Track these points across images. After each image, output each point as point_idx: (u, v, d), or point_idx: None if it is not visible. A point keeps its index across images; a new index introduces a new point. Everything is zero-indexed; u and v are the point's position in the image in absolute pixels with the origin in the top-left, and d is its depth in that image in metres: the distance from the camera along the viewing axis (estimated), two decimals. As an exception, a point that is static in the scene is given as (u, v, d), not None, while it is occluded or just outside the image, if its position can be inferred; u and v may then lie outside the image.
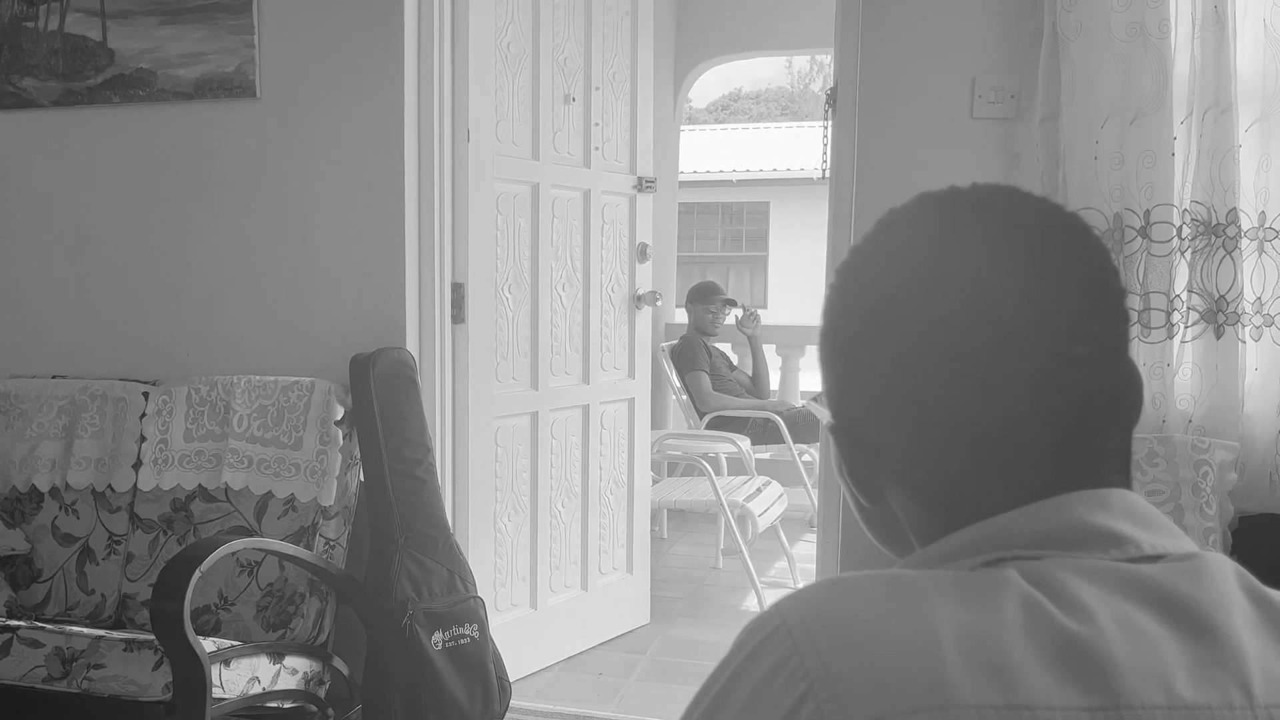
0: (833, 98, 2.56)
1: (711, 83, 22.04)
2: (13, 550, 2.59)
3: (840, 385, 0.71)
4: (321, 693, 2.34)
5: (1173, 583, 0.59)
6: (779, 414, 4.70)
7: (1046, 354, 0.63)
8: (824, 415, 0.74)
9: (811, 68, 21.98)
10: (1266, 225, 2.21)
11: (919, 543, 0.69)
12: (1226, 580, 0.60)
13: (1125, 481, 0.66)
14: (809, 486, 4.61)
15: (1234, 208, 2.18)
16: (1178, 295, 2.21)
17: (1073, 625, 0.56)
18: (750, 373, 5.25)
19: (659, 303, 3.57)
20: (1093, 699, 0.54)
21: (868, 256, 0.70)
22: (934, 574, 0.61)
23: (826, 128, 2.71)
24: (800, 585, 3.99)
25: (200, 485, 2.54)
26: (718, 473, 4.51)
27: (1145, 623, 0.57)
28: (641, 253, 3.42)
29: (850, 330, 0.70)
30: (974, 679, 0.54)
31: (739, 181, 14.99)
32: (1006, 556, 0.61)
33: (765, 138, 16.72)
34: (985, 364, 0.63)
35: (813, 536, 4.10)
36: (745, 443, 4.61)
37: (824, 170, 3.16)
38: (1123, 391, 0.66)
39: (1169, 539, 0.62)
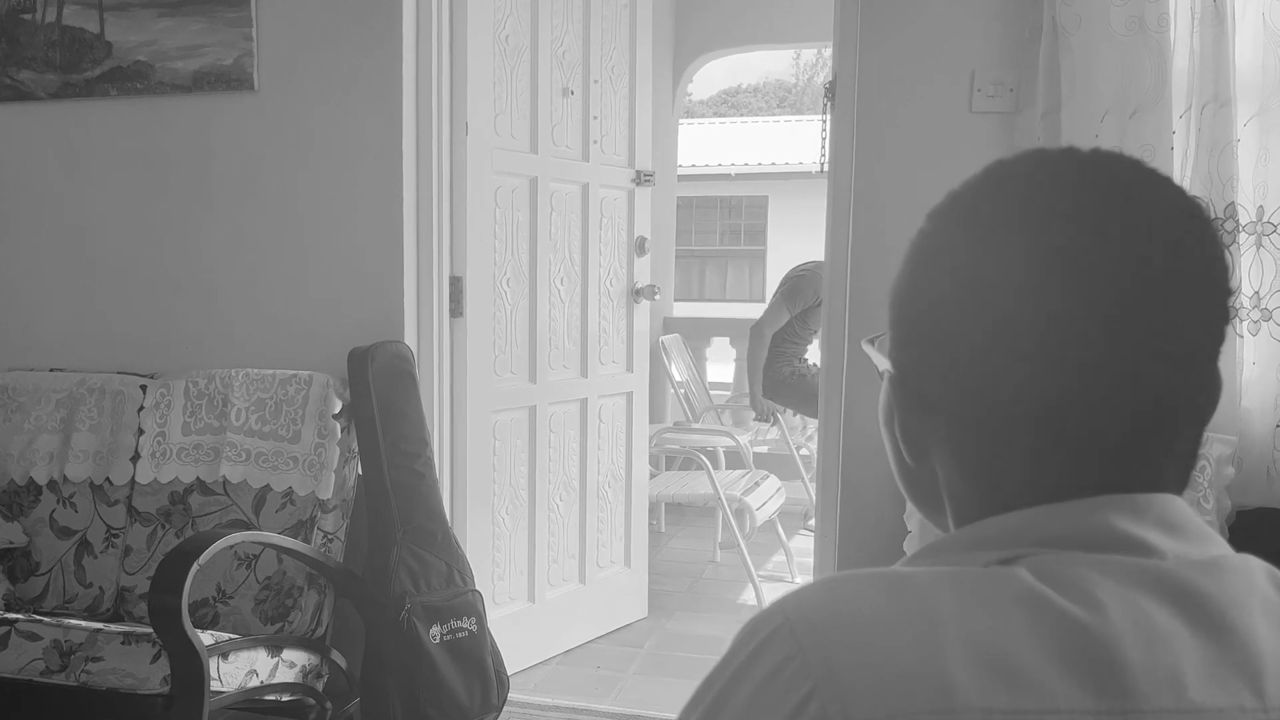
0: (831, 91, 2.56)
1: (716, 75, 22.00)
2: (11, 543, 2.59)
3: (908, 339, 0.68)
4: (320, 686, 2.34)
5: (1190, 578, 0.58)
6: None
7: (1138, 348, 0.59)
8: (881, 362, 0.71)
9: (818, 60, 21.92)
10: (1265, 220, 2.21)
11: (952, 511, 0.67)
12: (1251, 579, 0.59)
13: (1182, 484, 0.63)
14: (807, 481, 4.61)
15: (1232, 202, 2.18)
16: (1176, 289, 2.21)
17: (1082, 624, 0.55)
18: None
19: (657, 296, 3.57)
20: (1101, 701, 0.53)
21: (967, 206, 0.65)
22: (937, 572, 0.60)
23: (825, 121, 2.71)
24: (798, 580, 3.99)
25: (198, 478, 2.54)
26: (715, 467, 4.52)
27: (1160, 619, 0.56)
28: (640, 246, 3.42)
29: (934, 286, 0.65)
30: (979, 681, 0.53)
31: (737, 175, 14.98)
32: (1024, 553, 0.60)
33: (764, 132, 16.71)
34: (1072, 349, 0.59)
35: (810, 531, 4.10)
36: (744, 437, 4.61)
37: (823, 164, 3.17)
38: (1203, 395, 0.63)
39: (1199, 547, 0.60)
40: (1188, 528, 0.61)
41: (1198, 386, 0.62)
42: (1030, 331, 0.60)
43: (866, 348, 0.76)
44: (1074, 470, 0.61)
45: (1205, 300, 0.61)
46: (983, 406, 0.63)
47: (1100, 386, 0.60)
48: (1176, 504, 0.62)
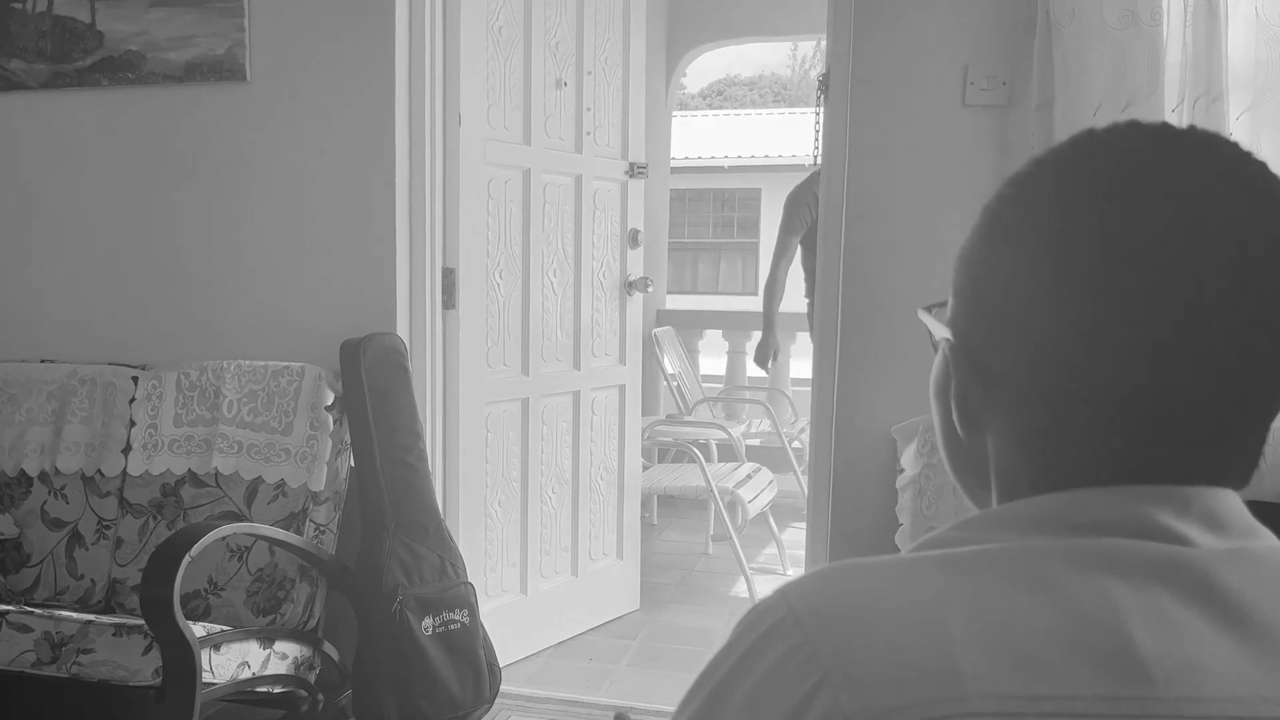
0: (825, 84, 2.56)
1: (710, 67, 21.97)
2: (1, 535, 2.59)
3: (973, 306, 0.65)
4: (312, 678, 2.34)
5: (1211, 568, 0.56)
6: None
7: (1229, 337, 0.57)
8: (940, 330, 0.69)
9: (815, 53, 21.88)
10: (1257, 214, 2.22)
11: (999, 488, 0.66)
12: (1278, 569, 0.58)
13: (1245, 478, 0.62)
14: (799, 473, 4.62)
15: (1225, 196, 2.18)
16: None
17: (1095, 613, 0.54)
18: None
19: (650, 289, 3.57)
20: (1116, 689, 0.52)
21: (1053, 175, 0.62)
22: (947, 555, 0.59)
23: (819, 114, 2.70)
24: (790, 572, 3.97)
25: (190, 470, 2.53)
26: (708, 459, 4.52)
27: (1177, 610, 0.55)
28: (633, 238, 3.42)
29: (1008, 253, 0.63)
30: (991, 667, 0.52)
31: (730, 168, 14.97)
32: (1053, 537, 0.59)
33: (757, 124, 16.70)
34: (1154, 332, 0.57)
35: (802, 523, 4.11)
36: (736, 430, 4.61)
37: (816, 157, 3.16)
38: (1278, 393, 0.61)
39: (1238, 543, 0.59)
40: (1232, 524, 0.60)
41: (1277, 384, 0.60)
42: (1109, 311, 0.58)
43: (924, 316, 0.73)
44: (1134, 456, 0.60)
45: None
46: (1050, 383, 0.61)
47: (1178, 374, 0.58)
48: (1228, 499, 0.60)
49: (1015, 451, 0.64)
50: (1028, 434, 0.63)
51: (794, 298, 4.70)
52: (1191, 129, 0.61)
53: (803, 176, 4.53)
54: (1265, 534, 0.61)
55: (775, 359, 4.55)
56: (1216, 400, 0.59)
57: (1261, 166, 0.60)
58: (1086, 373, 0.59)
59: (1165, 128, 0.61)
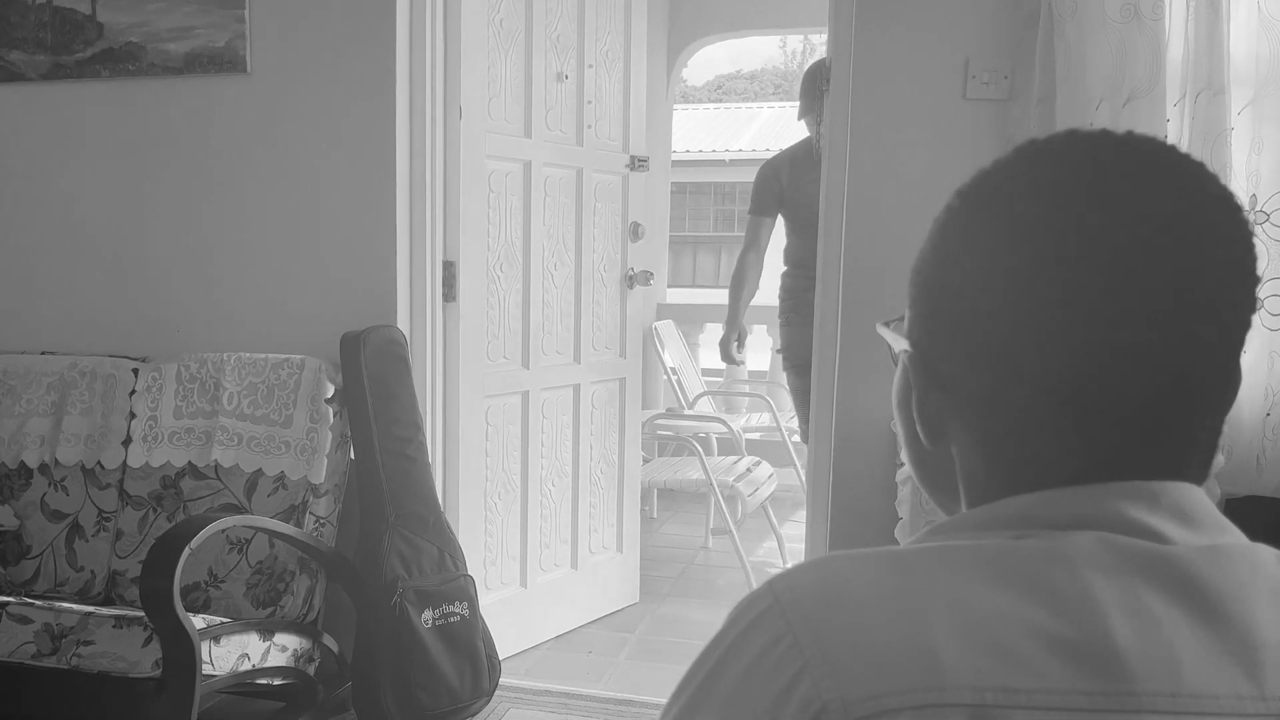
0: (826, 78, 2.56)
1: (712, 60, 21.95)
2: (1, 526, 2.59)
3: (929, 316, 0.67)
4: (311, 670, 2.35)
5: (1191, 565, 0.57)
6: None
7: (1174, 331, 0.59)
8: (898, 342, 0.70)
9: (805, 47, 21.93)
10: (1258, 208, 2.22)
11: (966, 494, 0.66)
12: (1256, 567, 0.58)
13: (1203, 473, 0.63)
14: (798, 467, 4.62)
15: (1226, 191, 2.18)
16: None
17: (1075, 606, 0.55)
18: None
19: (651, 282, 3.57)
20: (1094, 683, 0.53)
21: (999, 184, 0.64)
22: (930, 548, 0.60)
23: (820, 108, 2.70)
24: (789, 564, 3.98)
25: (190, 462, 2.53)
26: (708, 453, 4.52)
27: (1156, 605, 0.55)
28: (634, 232, 3.41)
29: (959, 262, 0.64)
30: (970, 658, 0.53)
31: (732, 161, 14.96)
32: (1030, 534, 0.59)
33: (758, 117, 16.68)
34: (1103, 331, 0.59)
35: (801, 516, 4.11)
36: (736, 423, 4.61)
37: (817, 150, 3.15)
38: (1227, 383, 0.62)
39: (1211, 537, 0.60)
40: (1203, 518, 0.60)
41: (1224, 375, 0.62)
42: (1061, 312, 0.59)
43: (882, 330, 0.74)
44: (1096, 454, 0.61)
45: (1236, 287, 0.60)
46: (1008, 387, 0.62)
47: (1130, 370, 0.59)
48: (1193, 493, 0.61)
49: (979, 456, 0.65)
50: (989, 438, 0.64)
51: (775, 296, 4.18)
52: (1129, 134, 0.63)
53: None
54: (1233, 530, 0.62)
55: (742, 346, 3.99)
56: (1168, 393, 0.60)
57: (1199, 166, 0.62)
58: (1040, 374, 0.60)
59: (1105, 134, 0.63)
